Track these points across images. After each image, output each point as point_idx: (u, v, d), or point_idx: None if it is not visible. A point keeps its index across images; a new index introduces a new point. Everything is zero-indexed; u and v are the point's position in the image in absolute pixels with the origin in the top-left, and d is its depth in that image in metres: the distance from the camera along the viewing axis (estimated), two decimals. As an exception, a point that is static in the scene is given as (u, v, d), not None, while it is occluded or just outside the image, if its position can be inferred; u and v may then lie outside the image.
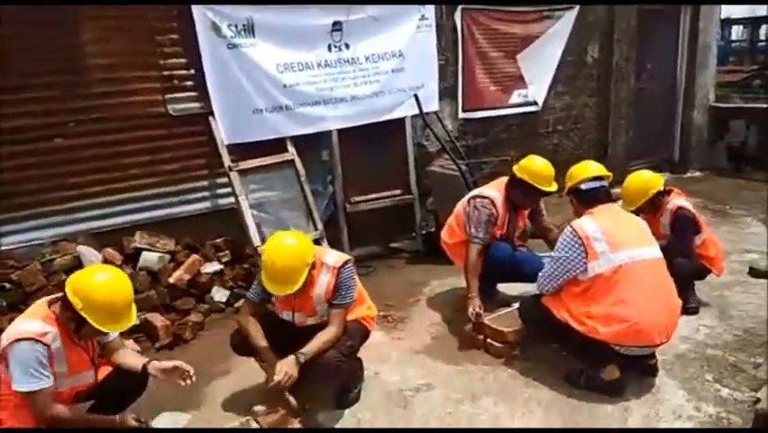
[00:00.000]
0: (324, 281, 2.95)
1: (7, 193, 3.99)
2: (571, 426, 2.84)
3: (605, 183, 3.27)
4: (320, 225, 4.86)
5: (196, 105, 4.59)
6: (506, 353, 3.51)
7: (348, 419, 2.99)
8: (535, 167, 3.84)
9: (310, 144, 5.10)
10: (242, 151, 4.69)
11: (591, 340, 3.00)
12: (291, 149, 4.92)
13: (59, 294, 2.57)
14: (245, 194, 4.57)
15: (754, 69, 12.27)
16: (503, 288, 4.25)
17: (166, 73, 4.47)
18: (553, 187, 3.87)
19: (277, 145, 4.89)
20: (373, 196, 5.30)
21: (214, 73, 4.56)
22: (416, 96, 5.22)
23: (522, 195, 3.91)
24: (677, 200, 3.90)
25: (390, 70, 5.32)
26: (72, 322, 2.50)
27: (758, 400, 2.87)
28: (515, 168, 3.90)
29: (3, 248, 3.99)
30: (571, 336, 3.07)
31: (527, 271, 3.96)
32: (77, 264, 4.02)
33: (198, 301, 4.32)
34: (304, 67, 4.92)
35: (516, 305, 3.85)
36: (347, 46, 5.11)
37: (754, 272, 4.54)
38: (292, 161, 4.89)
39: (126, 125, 4.35)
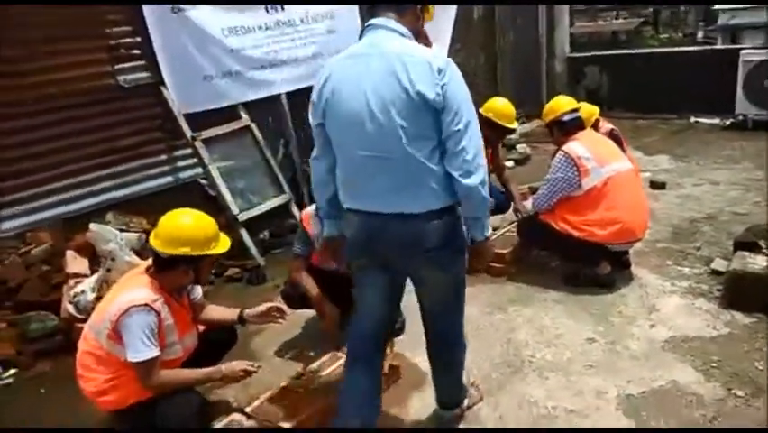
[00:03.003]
0: None
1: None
2: (587, 316, 3.40)
3: (579, 113, 3.83)
4: (287, 189, 4.92)
5: (146, 74, 4.39)
6: (506, 271, 3.99)
7: (407, 342, 3.25)
8: (498, 106, 4.29)
9: (255, 111, 5.07)
10: (193, 121, 4.56)
11: (587, 243, 3.57)
12: (245, 115, 4.88)
13: (149, 262, 2.51)
14: (213, 163, 4.49)
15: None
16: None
17: (112, 42, 4.22)
18: (515, 124, 4.37)
19: (228, 113, 4.82)
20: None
21: (161, 40, 4.38)
22: (357, 56, 5.40)
23: (487, 133, 4.35)
24: (608, 124, 4.62)
25: (325, 32, 5.44)
26: (173, 278, 2.47)
27: (714, 271, 3.69)
28: (481, 109, 4.34)
29: (-39, 246, 3.58)
30: (569, 242, 3.62)
31: (495, 203, 4.48)
32: (54, 253, 3.75)
33: (187, 276, 4.21)
34: (247, 30, 4.88)
35: (500, 232, 4.36)
36: (282, 8, 5.13)
37: (654, 185, 5.53)
38: (248, 127, 4.86)
39: (79, 101, 4.06)
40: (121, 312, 2.30)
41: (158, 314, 2.37)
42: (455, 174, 1.99)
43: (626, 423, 2.51)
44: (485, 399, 2.74)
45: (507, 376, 2.91)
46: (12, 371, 3.35)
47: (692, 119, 8.03)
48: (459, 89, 2.00)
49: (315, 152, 2.30)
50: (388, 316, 2.40)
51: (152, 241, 2.44)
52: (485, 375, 2.92)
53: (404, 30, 2.08)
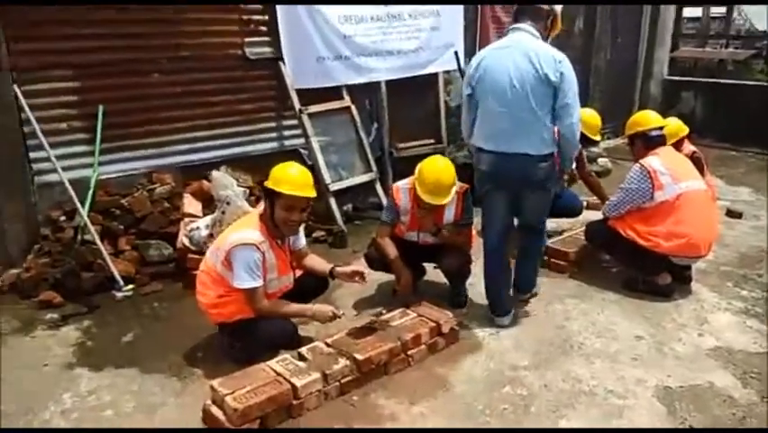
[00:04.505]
0: (452, 205, 3.54)
1: (108, 124, 4.20)
2: (640, 318, 3.64)
3: (663, 131, 4.04)
4: (374, 168, 5.37)
5: (269, 49, 4.93)
6: (568, 269, 4.27)
7: (469, 315, 3.62)
8: (585, 116, 4.52)
9: (355, 94, 5.53)
10: (301, 96, 5.05)
11: (651, 253, 3.79)
12: (346, 96, 5.35)
13: (261, 210, 3.01)
14: (315, 136, 4.99)
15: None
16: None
17: (245, 17, 4.77)
18: (598, 137, 4.60)
19: (331, 93, 5.30)
20: (414, 143, 5.84)
21: (286, 20, 4.90)
22: (455, 54, 5.79)
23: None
24: (691, 146, 4.76)
25: (429, 28, 5.83)
26: (267, 214, 2.95)
27: (773, 297, 3.83)
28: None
29: (102, 177, 4.22)
30: (634, 250, 3.85)
31: (569, 206, 4.73)
32: (175, 193, 4.35)
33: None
34: (360, 19, 5.34)
35: (568, 233, 4.62)
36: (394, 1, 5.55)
37: (731, 213, 5.59)
38: (349, 107, 5.34)
39: (210, 66, 4.64)
40: (233, 245, 2.83)
41: (262, 253, 2.87)
42: (564, 130, 3.20)
43: (658, 408, 2.77)
44: (532, 371, 3.07)
45: (555, 355, 3.23)
46: (130, 286, 3.95)
47: (785, 157, 7.88)
48: (570, 75, 3.13)
49: (464, 114, 3.43)
50: (509, 223, 3.51)
51: (267, 183, 2.95)
52: (535, 351, 3.25)
53: (537, 33, 3.22)
